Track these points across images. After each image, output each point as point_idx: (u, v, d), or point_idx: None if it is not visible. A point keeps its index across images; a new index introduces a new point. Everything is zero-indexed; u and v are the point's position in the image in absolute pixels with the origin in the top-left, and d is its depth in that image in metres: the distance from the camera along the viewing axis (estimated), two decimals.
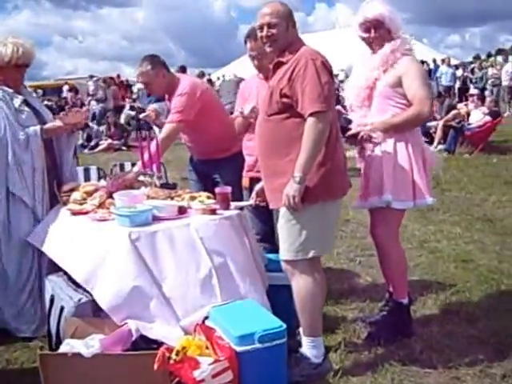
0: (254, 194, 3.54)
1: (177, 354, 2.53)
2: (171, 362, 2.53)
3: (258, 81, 4.02)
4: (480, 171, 9.28)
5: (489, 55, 56.86)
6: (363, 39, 3.53)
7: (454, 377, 3.07)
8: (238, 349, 2.63)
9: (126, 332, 2.83)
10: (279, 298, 3.31)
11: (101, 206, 3.55)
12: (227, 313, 2.88)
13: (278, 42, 3.06)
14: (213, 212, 3.33)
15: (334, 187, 3.04)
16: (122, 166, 5.50)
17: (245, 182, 4.03)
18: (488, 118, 11.35)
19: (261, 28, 3.10)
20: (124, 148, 14.26)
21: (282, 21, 3.04)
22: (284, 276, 3.50)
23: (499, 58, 20.61)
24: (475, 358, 3.23)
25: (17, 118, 3.72)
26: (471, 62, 28.09)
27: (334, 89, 3.05)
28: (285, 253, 3.08)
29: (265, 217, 3.95)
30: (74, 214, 3.52)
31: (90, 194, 3.73)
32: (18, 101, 3.78)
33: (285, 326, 2.77)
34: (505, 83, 18.57)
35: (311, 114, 2.87)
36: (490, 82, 18.97)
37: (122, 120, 16.14)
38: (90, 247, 3.14)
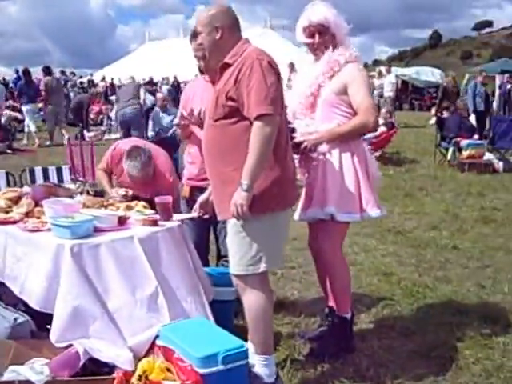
0: (197, 206, 3.43)
1: (139, 379, 2.40)
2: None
3: (203, 83, 3.94)
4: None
5: (365, 65, 60.94)
6: (307, 45, 3.52)
7: None
8: (202, 371, 2.53)
9: (73, 354, 2.68)
10: (224, 314, 3.26)
11: (28, 214, 3.31)
12: (181, 332, 2.79)
13: (206, 50, 3.01)
14: (154, 223, 3.22)
15: (284, 196, 2.99)
16: (31, 172, 5.13)
17: (185, 191, 3.93)
18: (383, 129, 11.90)
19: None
20: (9, 151, 13.38)
21: (205, 28, 2.98)
22: (229, 291, 3.47)
23: (383, 69, 21.67)
24: (420, 373, 3.33)
25: None
26: None
27: (281, 90, 2.95)
28: (235, 267, 2.99)
29: (200, 230, 3.88)
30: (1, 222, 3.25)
31: (13, 200, 3.48)
32: None
33: (246, 345, 2.71)
34: (387, 94, 19.51)
35: (257, 117, 2.79)
36: (376, 92, 19.89)
37: (3, 121, 15.23)
38: (25, 261, 2.92)
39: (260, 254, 2.93)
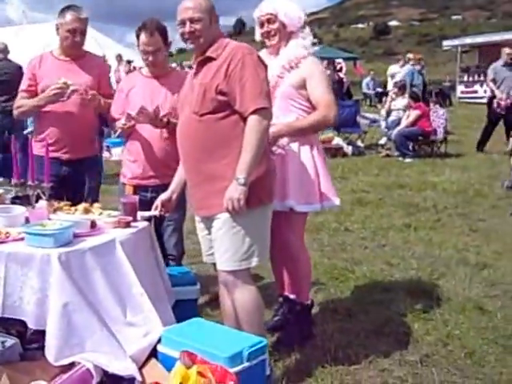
0: (158, 204, 3.40)
1: None
2: None
3: (141, 78, 3.92)
4: None
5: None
6: (261, 35, 3.67)
7: (382, 369, 3.44)
8: (232, 370, 2.60)
9: (84, 372, 2.57)
10: (184, 314, 3.31)
11: None
12: (189, 334, 2.83)
13: (200, 38, 3.05)
14: (127, 225, 3.17)
15: (271, 188, 3.14)
16: None
17: (128, 190, 3.86)
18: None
19: (182, 23, 3.06)
20: None
21: (205, 15, 3.04)
22: (188, 290, 3.54)
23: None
24: (385, 349, 3.65)
25: None
26: None
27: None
28: (227, 263, 3.05)
29: None
30: None
31: None
32: None
33: (265, 340, 2.83)
34: None
35: (254, 111, 2.91)
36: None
37: None
38: (17, 279, 2.74)
39: (252, 248, 3.03)
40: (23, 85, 4.13)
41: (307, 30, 3.74)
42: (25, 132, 8.56)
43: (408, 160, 11.03)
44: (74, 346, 2.67)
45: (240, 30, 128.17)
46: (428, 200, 7.75)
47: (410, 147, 11.51)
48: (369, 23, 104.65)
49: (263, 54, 3.68)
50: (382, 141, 12.29)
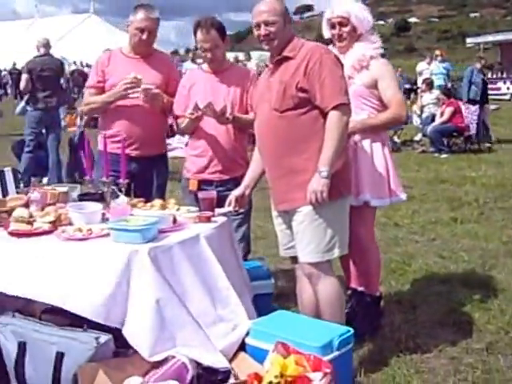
0: (232, 200, 3.45)
1: (277, 377, 2.46)
2: None
3: (201, 74, 3.97)
4: None
5: (187, 50, 60.63)
6: (332, 36, 3.75)
7: (452, 357, 3.50)
8: (325, 359, 2.66)
9: (180, 367, 2.61)
10: (260, 308, 3.37)
11: (55, 222, 3.13)
12: (278, 326, 2.88)
13: (275, 40, 3.14)
14: (208, 220, 3.23)
15: (349, 181, 3.27)
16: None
17: (192, 184, 3.91)
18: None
19: (258, 26, 3.16)
20: None
21: (279, 18, 3.13)
22: (263, 284, 3.60)
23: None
24: (452, 339, 3.70)
25: None
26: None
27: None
28: (311, 255, 3.14)
29: None
30: (26, 235, 3.03)
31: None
32: None
33: (352, 330, 2.89)
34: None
35: (335, 107, 3.01)
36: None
37: None
38: (74, 273, 2.76)
39: (334, 239, 3.13)
40: (91, 81, 4.17)
41: (375, 32, 3.82)
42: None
43: (444, 155, 11.04)
44: (166, 340, 2.69)
45: None
46: (469, 194, 7.79)
47: (445, 143, 11.50)
48: (389, 20, 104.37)
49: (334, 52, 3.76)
50: (417, 137, 12.31)
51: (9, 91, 28.59)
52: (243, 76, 3.96)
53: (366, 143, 3.64)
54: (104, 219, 3.18)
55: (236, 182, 3.79)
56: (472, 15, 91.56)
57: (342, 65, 3.17)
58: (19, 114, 9.27)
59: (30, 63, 8.53)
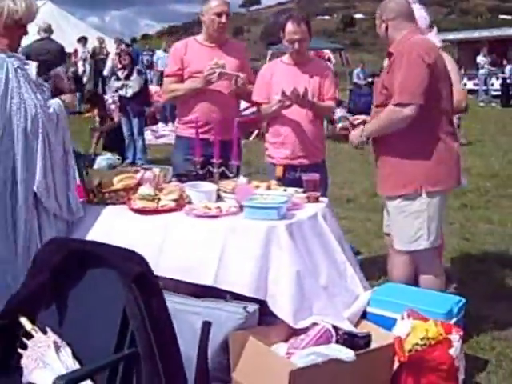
0: None
1: (422, 339, 2.68)
2: (418, 348, 2.68)
3: (282, 65, 4.13)
4: None
5: (133, 40, 59.46)
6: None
7: None
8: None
9: (326, 332, 2.79)
10: None
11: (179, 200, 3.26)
12: (396, 296, 3.09)
13: (380, 37, 3.43)
14: (317, 200, 3.41)
15: (440, 179, 3.33)
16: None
17: (278, 171, 4.05)
18: None
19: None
20: None
21: (380, 18, 3.40)
22: None
23: None
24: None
25: (36, 90, 2.99)
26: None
27: (429, 80, 3.21)
28: (399, 244, 3.39)
29: None
30: (153, 212, 3.15)
31: (131, 188, 3.36)
32: (32, 68, 3.10)
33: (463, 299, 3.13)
34: None
35: (395, 105, 3.20)
36: None
37: None
38: (210, 248, 2.92)
39: (420, 232, 3.32)
40: (170, 70, 4.24)
41: (435, 29, 4.03)
42: None
43: None
44: (306, 309, 2.85)
45: None
46: (469, 184, 8.05)
47: None
48: (334, 15, 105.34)
49: None
50: None
51: None
52: (322, 68, 4.18)
53: None
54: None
55: (318, 166, 4.00)
56: None
57: (425, 63, 3.18)
58: None
59: (26, 47, 8.43)
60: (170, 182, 3.62)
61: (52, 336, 2.23)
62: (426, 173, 3.27)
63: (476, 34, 28.21)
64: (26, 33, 3.11)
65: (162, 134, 12.62)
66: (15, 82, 2.80)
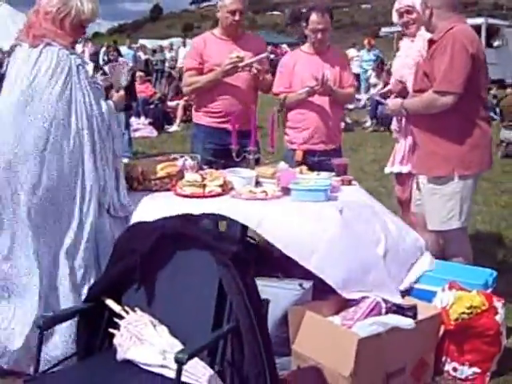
0: None
1: (468, 308, 2.85)
2: (465, 316, 2.84)
3: (303, 55, 4.23)
4: None
5: (87, 38, 58.82)
6: (401, 24, 4.07)
7: None
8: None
9: (377, 305, 2.90)
10: None
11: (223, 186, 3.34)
12: (436, 270, 3.24)
13: (414, 25, 3.68)
14: (350, 183, 3.54)
15: (474, 164, 3.42)
16: None
17: (298, 155, 4.13)
18: None
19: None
20: None
21: (424, 4, 3.46)
22: None
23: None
24: None
25: (92, 88, 3.01)
26: None
27: (471, 69, 3.27)
28: (431, 224, 3.49)
29: None
30: (201, 197, 3.21)
31: (174, 175, 3.43)
32: (90, 68, 3.17)
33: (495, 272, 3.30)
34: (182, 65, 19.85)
35: (435, 92, 3.30)
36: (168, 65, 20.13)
37: None
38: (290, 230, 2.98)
39: (452, 213, 3.42)
40: (190, 64, 4.28)
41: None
42: None
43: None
44: (358, 282, 2.95)
45: (157, 16, 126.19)
46: None
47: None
48: (284, 10, 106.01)
49: (405, 41, 4.12)
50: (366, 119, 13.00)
51: None
52: (341, 57, 4.33)
53: None
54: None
55: (336, 151, 4.13)
56: (363, 6, 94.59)
57: (469, 52, 3.24)
58: None
59: (15, 46, 8.32)
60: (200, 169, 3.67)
61: (145, 315, 2.29)
62: (460, 156, 3.37)
63: None
64: (84, 33, 3.17)
65: (137, 127, 12.53)
66: (76, 78, 2.83)
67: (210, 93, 4.22)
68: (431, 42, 3.42)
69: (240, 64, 4.01)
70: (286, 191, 3.21)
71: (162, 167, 3.44)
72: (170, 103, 12.95)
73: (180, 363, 1.90)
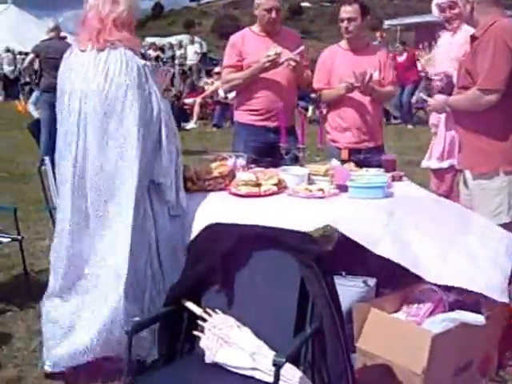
0: None
1: None
2: None
3: (341, 51, 4.17)
4: None
5: None
6: (443, 19, 4.02)
7: None
8: None
9: (441, 301, 2.87)
10: None
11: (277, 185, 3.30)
12: None
13: (457, 20, 3.64)
14: (400, 178, 3.51)
15: None
16: None
17: (344, 154, 4.08)
18: None
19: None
20: None
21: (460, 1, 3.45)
22: None
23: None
24: None
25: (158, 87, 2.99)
26: None
27: None
28: (504, 216, 3.36)
29: None
30: (257, 196, 3.16)
31: (227, 174, 3.40)
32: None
33: None
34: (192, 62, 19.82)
35: (479, 89, 3.21)
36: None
37: None
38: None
39: (500, 208, 3.33)
40: (229, 61, 4.23)
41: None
42: None
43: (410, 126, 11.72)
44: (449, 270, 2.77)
45: (158, 14, 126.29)
46: None
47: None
48: (284, 4, 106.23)
49: (445, 35, 4.08)
50: None
51: None
52: (380, 53, 4.22)
53: None
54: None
55: (379, 149, 4.09)
56: None
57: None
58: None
59: (36, 47, 8.43)
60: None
61: (228, 317, 2.27)
62: (503, 153, 3.31)
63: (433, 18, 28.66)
64: None
65: None
66: (143, 76, 2.80)
67: (250, 90, 4.18)
68: (473, 38, 3.35)
69: (280, 60, 3.96)
70: (342, 188, 3.16)
71: (215, 167, 3.41)
72: (186, 100, 12.89)
73: (278, 366, 1.87)
